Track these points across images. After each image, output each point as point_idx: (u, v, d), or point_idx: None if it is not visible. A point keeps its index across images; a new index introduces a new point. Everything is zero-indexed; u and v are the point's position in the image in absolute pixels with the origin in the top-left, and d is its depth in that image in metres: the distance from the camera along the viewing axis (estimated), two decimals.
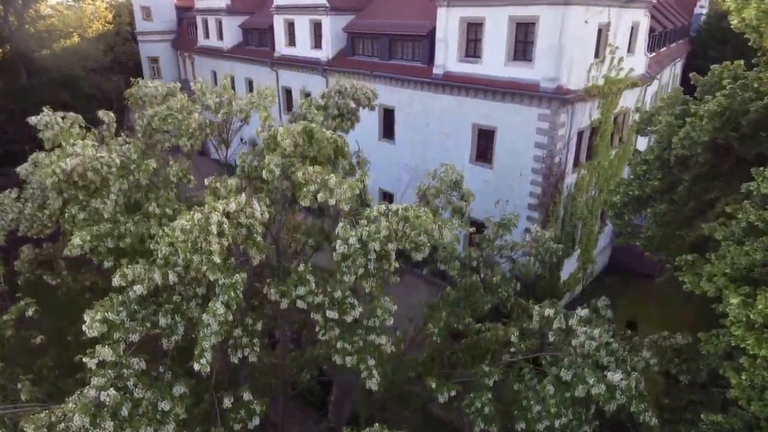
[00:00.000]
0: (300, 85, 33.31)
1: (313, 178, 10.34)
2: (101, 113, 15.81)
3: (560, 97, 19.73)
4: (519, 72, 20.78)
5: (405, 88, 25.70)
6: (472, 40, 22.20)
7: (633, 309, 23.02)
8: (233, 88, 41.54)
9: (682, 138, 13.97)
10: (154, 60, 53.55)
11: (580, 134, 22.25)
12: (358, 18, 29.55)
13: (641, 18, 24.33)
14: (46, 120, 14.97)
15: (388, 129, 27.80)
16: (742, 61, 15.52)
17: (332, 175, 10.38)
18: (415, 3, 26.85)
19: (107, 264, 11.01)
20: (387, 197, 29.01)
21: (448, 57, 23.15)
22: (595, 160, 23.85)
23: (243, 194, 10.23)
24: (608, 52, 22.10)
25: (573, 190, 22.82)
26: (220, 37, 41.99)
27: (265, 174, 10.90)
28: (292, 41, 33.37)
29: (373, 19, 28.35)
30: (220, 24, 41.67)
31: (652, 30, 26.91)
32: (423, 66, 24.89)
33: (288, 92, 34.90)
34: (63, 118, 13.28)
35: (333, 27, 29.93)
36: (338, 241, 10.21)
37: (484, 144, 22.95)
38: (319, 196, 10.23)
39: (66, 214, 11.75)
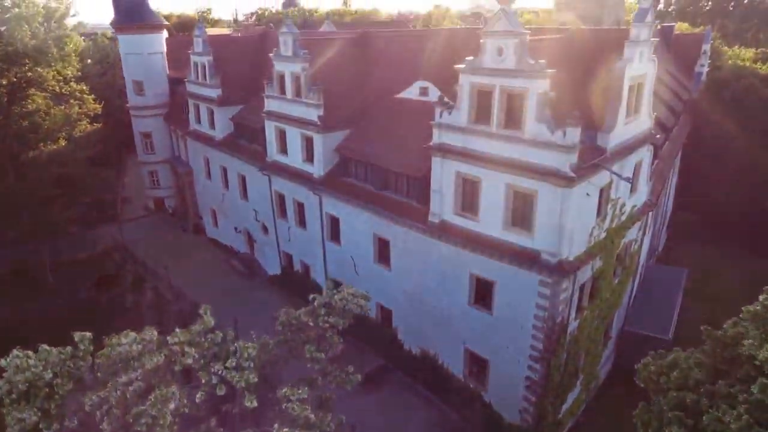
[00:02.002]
0: (293, 195, 32.39)
1: None
2: (77, 336, 14.93)
3: (562, 272, 18.74)
4: (518, 238, 19.84)
5: (400, 225, 24.74)
6: (469, 195, 21.27)
7: None
8: (225, 180, 41.71)
9: None
10: (147, 135, 52.88)
11: (582, 286, 21.26)
12: (350, 138, 28.70)
13: (645, 154, 23.44)
14: (16, 363, 14.13)
15: (383, 256, 26.85)
16: None
17: None
18: (412, 123, 25.95)
19: None
20: (385, 312, 28.06)
21: (444, 207, 22.24)
22: (597, 299, 22.84)
23: None
24: (610, 207, 21.19)
25: (576, 333, 21.79)
26: (212, 125, 41.16)
27: None
28: (283, 149, 32.49)
29: (366, 142, 27.49)
30: (211, 113, 40.87)
31: (655, 154, 26.02)
32: (418, 206, 23.94)
33: (281, 197, 33.96)
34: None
35: (325, 144, 29.04)
36: None
37: (483, 291, 21.99)
38: None
39: None
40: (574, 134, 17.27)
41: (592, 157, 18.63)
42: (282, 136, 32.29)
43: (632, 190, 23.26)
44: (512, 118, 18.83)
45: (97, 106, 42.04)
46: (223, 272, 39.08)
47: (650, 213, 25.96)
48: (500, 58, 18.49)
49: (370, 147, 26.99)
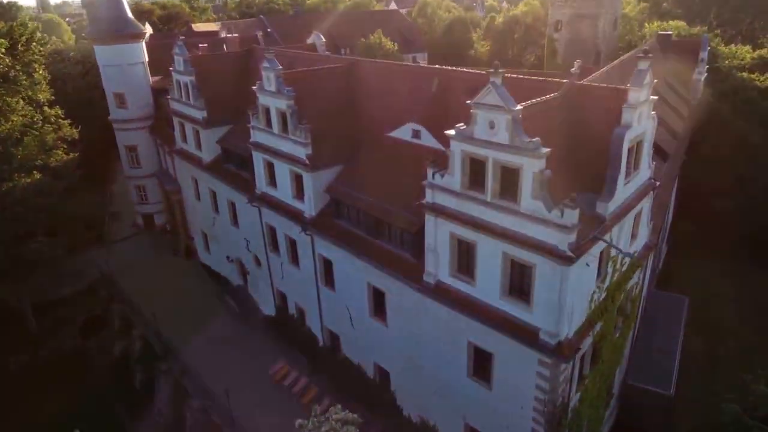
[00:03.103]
0: (284, 230, 31.45)
1: None
2: None
3: (562, 356, 18.07)
4: (516, 310, 19.15)
5: (395, 279, 23.99)
6: (465, 257, 20.50)
7: None
8: (215, 204, 40.53)
9: None
10: (132, 149, 51.36)
11: (583, 356, 20.72)
12: (342, 178, 27.70)
13: (646, 203, 22.66)
14: None
15: (379, 309, 26.15)
16: None
17: None
18: (405, 168, 25.00)
19: None
20: (382, 372, 27.54)
21: (439, 267, 21.48)
22: (599, 362, 22.36)
23: None
24: (610, 265, 20.51)
25: (578, 406, 21.37)
26: (199, 147, 39.84)
27: None
28: (273, 182, 31.43)
29: (358, 185, 26.51)
30: (197, 134, 39.51)
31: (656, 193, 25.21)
32: (413, 261, 23.18)
33: (272, 230, 33.01)
34: None
35: (315, 183, 28.01)
36: None
37: (481, 362, 21.35)
38: None
39: None
40: (573, 215, 16.45)
41: (592, 228, 17.85)
42: (270, 168, 31.19)
43: (632, 236, 22.58)
44: (507, 189, 17.96)
45: (74, 131, 40.34)
46: (216, 310, 38.07)
47: (652, 254, 25.35)
48: (492, 132, 17.51)
49: (362, 191, 26.02)
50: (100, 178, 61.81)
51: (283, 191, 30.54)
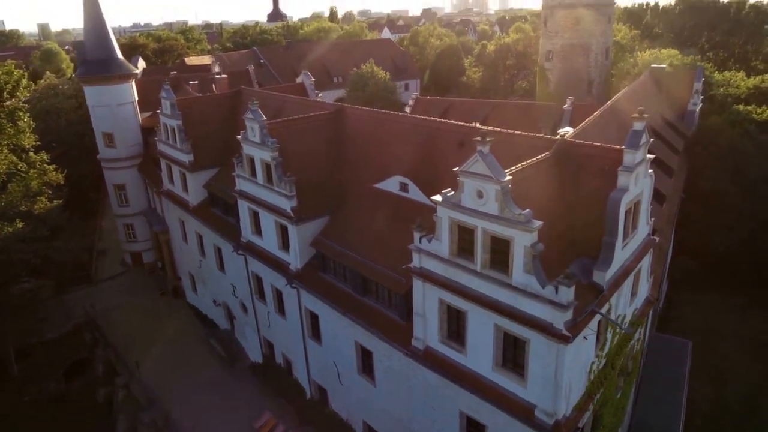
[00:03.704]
0: (271, 280, 30.37)
1: None
2: None
3: None
4: (509, 384, 18.00)
5: (383, 340, 22.86)
6: (455, 324, 19.41)
7: None
8: (202, 248, 39.53)
9: None
10: (120, 187, 50.50)
11: (582, 428, 19.48)
12: (327, 231, 26.72)
13: (646, 261, 21.67)
14: None
15: (367, 367, 24.97)
16: None
17: None
18: (392, 223, 24.10)
19: None
20: None
21: (428, 333, 20.38)
22: (600, 429, 21.10)
23: None
24: (609, 331, 19.43)
25: None
26: (185, 189, 38.97)
27: None
28: (258, 231, 30.46)
29: (344, 239, 25.53)
30: (184, 177, 38.65)
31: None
32: (401, 323, 22.09)
33: (258, 279, 31.92)
34: None
35: (301, 235, 27.03)
36: None
37: None
38: None
39: None
40: (568, 292, 15.42)
41: (589, 300, 16.82)
42: (256, 217, 30.24)
43: (632, 294, 21.55)
44: (497, 260, 16.96)
45: (59, 176, 39.44)
46: (202, 355, 36.79)
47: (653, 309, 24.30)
48: (480, 201, 16.58)
49: (348, 246, 25.03)
50: (92, 212, 61.16)
51: (269, 241, 29.55)
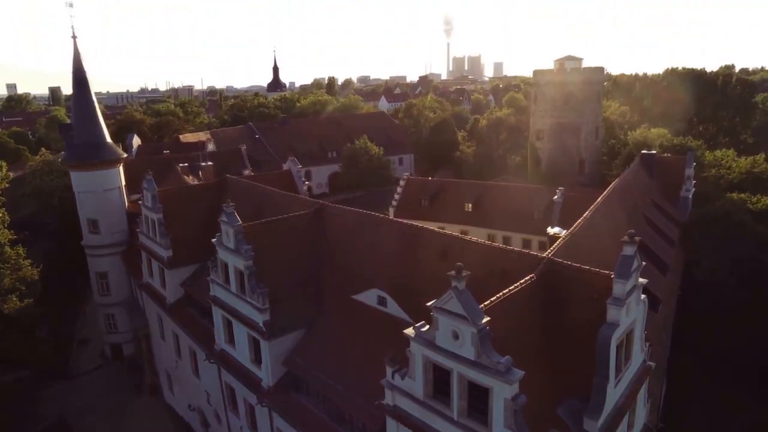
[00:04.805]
0: (243, 394, 28.17)
1: None
2: None
3: None
4: None
5: None
6: None
7: None
8: (178, 348, 37.51)
9: None
10: (102, 275, 48.96)
11: None
12: (301, 348, 24.90)
13: (642, 390, 19.75)
14: None
15: None
16: None
17: None
18: (369, 341, 22.36)
19: None
20: None
21: None
22: None
23: None
24: None
25: None
26: (163, 285, 37.43)
27: None
28: (231, 340, 28.61)
29: (319, 360, 23.68)
30: (162, 272, 37.22)
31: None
32: None
33: (232, 390, 29.69)
34: None
35: (273, 352, 25.13)
36: None
37: None
38: None
39: None
40: None
41: None
42: (229, 326, 28.50)
43: (629, 426, 19.45)
44: (476, 409, 15.15)
45: (35, 271, 38.15)
46: None
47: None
48: (456, 342, 15.02)
49: (323, 368, 23.15)
50: (79, 294, 59.06)
51: (242, 353, 27.63)
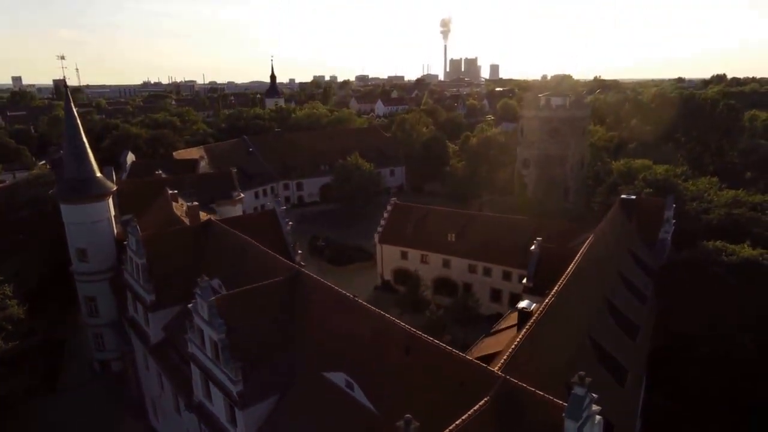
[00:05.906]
0: None
1: None
2: None
3: None
4: None
5: None
6: None
7: None
8: (161, 384, 38.36)
9: None
10: (91, 299, 49.92)
11: None
12: (272, 421, 25.85)
13: None
14: None
15: None
16: None
17: None
18: (339, 418, 23.32)
19: None
20: None
21: None
22: None
23: None
24: None
25: None
26: (147, 323, 38.37)
27: None
28: (208, 395, 29.60)
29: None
30: (146, 313, 38.13)
31: None
32: None
33: None
34: None
35: (247, 420, 26.18)
36: None
37: None
38: None
39: None
40: None
41: None
42: (206, 383, 29.47)
43: None
44: None
45: (21, 310, 38.97)
46: None
47: None
48: None
49: None
50: (73, 301, 59.76)
51: (219, 409, 28.64)
